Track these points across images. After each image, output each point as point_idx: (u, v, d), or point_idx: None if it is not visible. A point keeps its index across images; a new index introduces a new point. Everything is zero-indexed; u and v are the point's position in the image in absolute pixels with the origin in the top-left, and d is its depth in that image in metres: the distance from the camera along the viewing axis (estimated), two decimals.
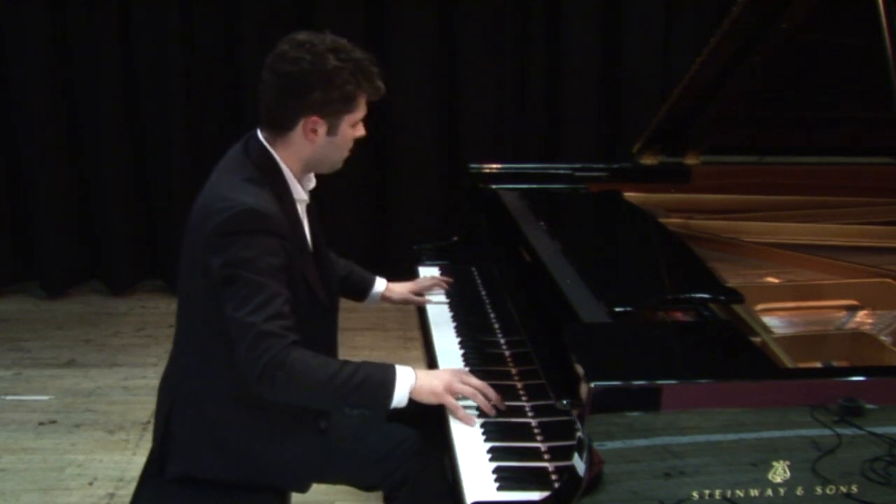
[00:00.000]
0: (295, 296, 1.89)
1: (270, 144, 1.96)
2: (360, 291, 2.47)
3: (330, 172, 2.04)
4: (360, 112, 1.95)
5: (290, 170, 1.97)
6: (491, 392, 1.88)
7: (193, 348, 2.00)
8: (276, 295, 1.83)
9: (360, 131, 1.99)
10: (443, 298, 2.53)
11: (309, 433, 2.00)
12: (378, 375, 1.87)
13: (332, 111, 1.91)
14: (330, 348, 2.14)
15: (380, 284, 2.48)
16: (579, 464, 1.49)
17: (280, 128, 1.94)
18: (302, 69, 1.86)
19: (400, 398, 1.86)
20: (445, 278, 2.60)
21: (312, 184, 2.07)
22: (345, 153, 2.00)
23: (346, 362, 1.88)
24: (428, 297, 2.53)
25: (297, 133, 1.93)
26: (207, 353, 1.96)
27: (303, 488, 2.06)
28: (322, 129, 1.92)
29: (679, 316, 1.88)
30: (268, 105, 1.93)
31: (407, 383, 1.86)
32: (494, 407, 1.87)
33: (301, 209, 2.02)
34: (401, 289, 2.52)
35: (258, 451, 1.97)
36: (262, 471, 1.98)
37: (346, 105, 1.91)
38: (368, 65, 1.92)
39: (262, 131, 1.97)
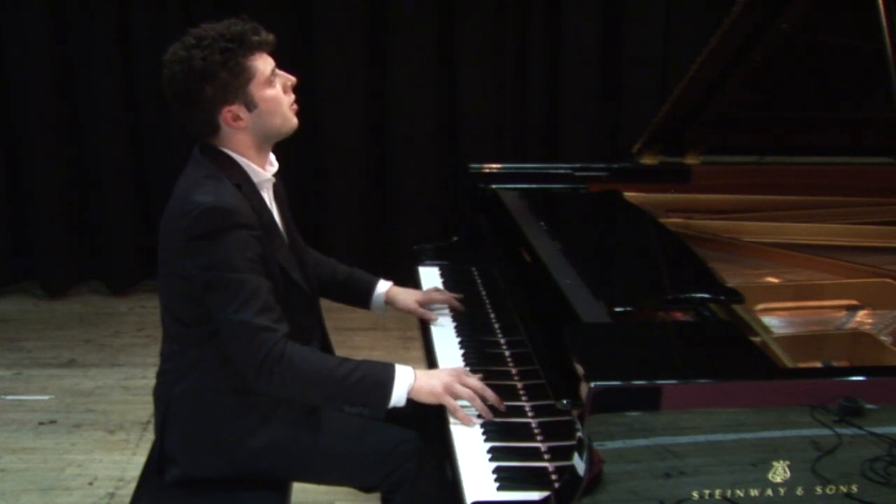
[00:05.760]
0: (272, 282, 1.90)
1: (215, 145, 1.97)
2: (364, 296, 2.38)
3: (291, 132, 2.00)
4: (263, 71, 1.91)
5: (244, 156, 1.97)
6: (490, 394, 1.88)
7: (181, 351, 2.01)
8: (258, 288, 1.84)
9: (284, 80, 1.97)
10: (448, 319, 2.38)
11: (299, 413, 2.00)
12: (377, 374, 1.87)
13: (235, 91, 1.89)
14: (319, 335, 2.14)
15: (382, 286, 2.38)
16: (579, 464, 1.48)
17: (209, 134, 1.95)
18: (182, 81, 1.88)
19: (398, 398, 1.87)
20: (455, 295, 2.44)
21: (274, 167, 2.05)
22: (283, 110, 1.96)
23: (346, 359, 1.89)
24: (433, 315, 2.38)
25: (225, 128, 1.93)
26: (196, 356, 1.98)
27: (302, 473, 2.05)
28: (241, 110, 1.91)
29: (679, 316, 1.88)
30: (185, 125, 1.96)
31: (405, 383, 1.87)
32: (495, 409, 1.87)
33: (267, 194, 2.02)
34: (405, 297, 2.40)
35: (251, 437, 1.96)
36: (259, 460, 1.97)
37: (242, 77, 1.89)
38: (233, 31, 1.89)
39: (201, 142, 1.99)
